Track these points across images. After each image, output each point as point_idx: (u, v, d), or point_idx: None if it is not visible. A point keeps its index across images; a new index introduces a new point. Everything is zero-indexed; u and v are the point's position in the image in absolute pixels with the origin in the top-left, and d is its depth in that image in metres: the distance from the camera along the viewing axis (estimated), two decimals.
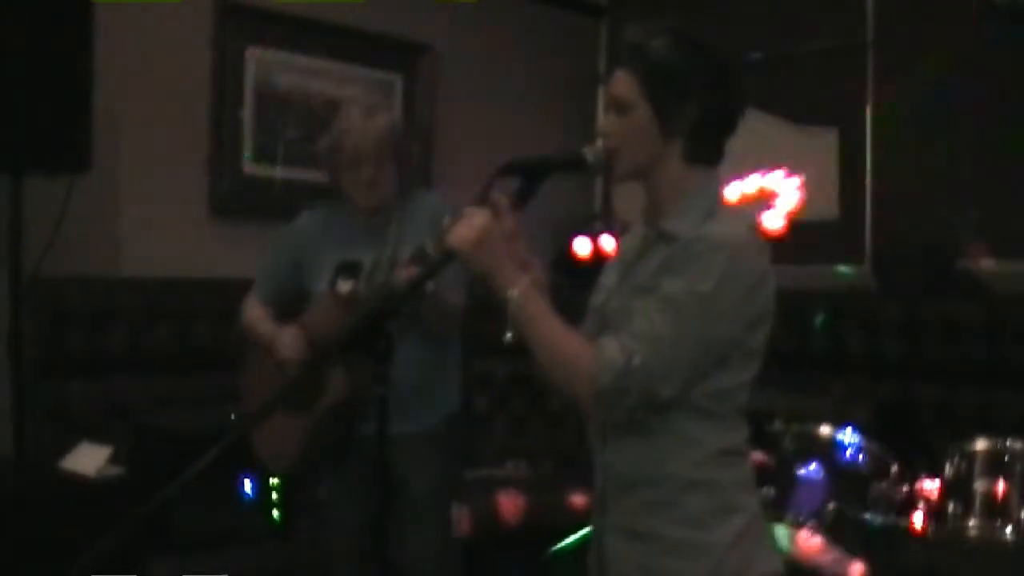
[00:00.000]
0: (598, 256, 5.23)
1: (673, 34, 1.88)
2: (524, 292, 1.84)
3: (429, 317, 2.84)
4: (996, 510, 3.18)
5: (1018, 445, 3.24)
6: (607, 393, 1.77)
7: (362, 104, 3.06)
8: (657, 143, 1.89)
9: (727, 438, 1.91)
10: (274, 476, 3.62)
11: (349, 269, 2.99)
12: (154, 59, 4.18)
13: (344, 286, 2.97)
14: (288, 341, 2.98)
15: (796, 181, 4.94)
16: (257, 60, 4.52)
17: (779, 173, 4.92)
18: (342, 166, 2.99)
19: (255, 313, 3.14)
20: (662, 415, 1.84)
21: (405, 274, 2.63)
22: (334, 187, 3.07)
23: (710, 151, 1.93)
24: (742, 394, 1.91)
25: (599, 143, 1.94)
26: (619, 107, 1.90)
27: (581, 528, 3.50)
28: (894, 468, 3.29)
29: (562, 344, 1.83)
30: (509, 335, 1.86)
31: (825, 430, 3.35)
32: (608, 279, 2.04)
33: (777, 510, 3.23)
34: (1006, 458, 3.22)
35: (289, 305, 3.12)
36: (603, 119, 1.96)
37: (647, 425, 1.86)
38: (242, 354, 3.18)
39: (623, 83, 1.89)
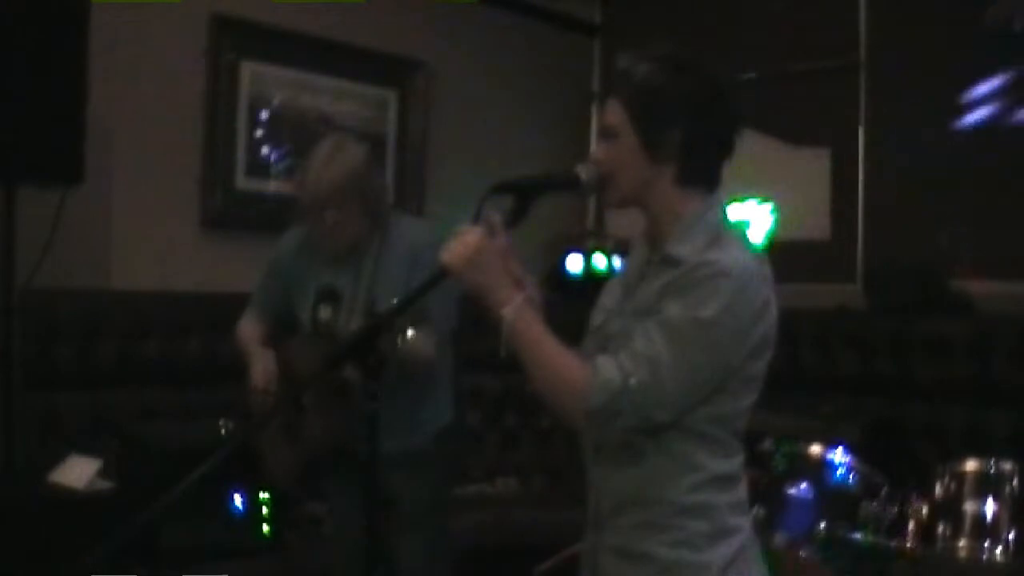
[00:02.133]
0: (591, 273, 5.24)
1: (660, 58, 1.89)
2: (518, 310, 1.83)
3: (406, 367, 2.79)
4: (986, 531, 3.18)
5: (1008, 466, 3.23)
6: (600, 413, 1.77)
7: (327, 147, 2.99)
8: (646, 168, 1.89)
9: (724, 463, 1.91)
10: (275, 488, 3.62)
11: (328, 296, 3.01)
12: (149, 72, 4.19)
13: (324, 313, 2.99)
14: (260, 368, 3.00)
15: (769, 207, 4.97)
16: (251, 74, 4.53)
17: (752, 201, 4.95)
18: (306, 211, 2.98)
19: (246, 332, 3.17)
20: (656, 438, 1.84)
21: (411, 342, 2.63)
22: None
23: (703, 175, 1.92)
24: (741, 419, 1.92)
25: (592, 162, 1.94)
26: (608, 134, 1.91)
27: (571, 545, 3.50)
28: (884, 488, 3.29)
29: (556, 362, 1.83)
30: (504, 352, 1.86)
31: (815, 449, 3.35)
32: (608, 299, 2.03)
33: (767, 529, 3.22)
34: (996, 479, 3.22)
35: (284, 324, 3.14)
36: (595, 147, 1.96)
37: (641, 447, 1.86)
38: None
39: (612, 110, 1.90)
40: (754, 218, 4.96)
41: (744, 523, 1.95)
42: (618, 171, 1.91)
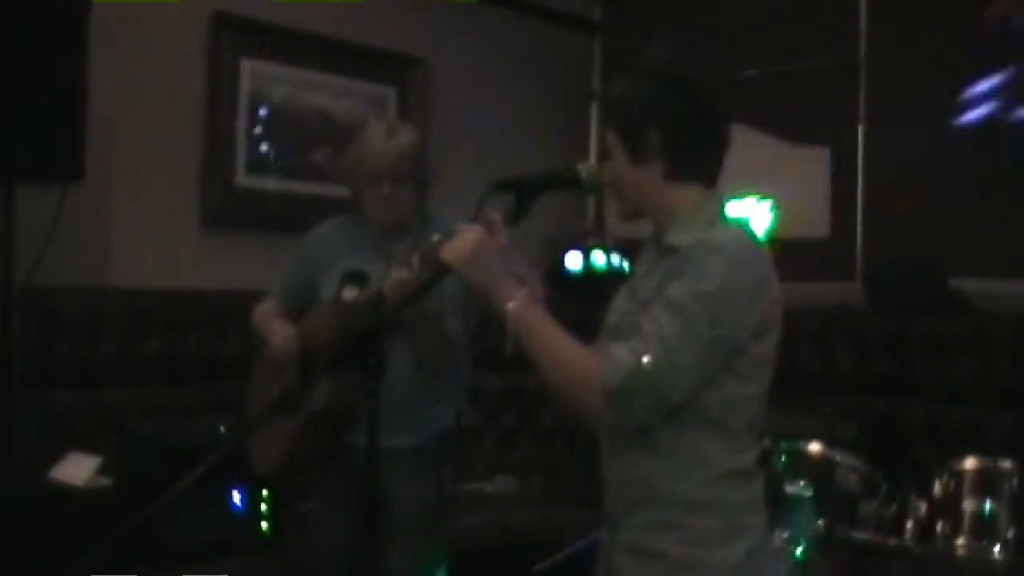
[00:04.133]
0: (590, 271, 5.23)
1: (629, 74, 1.99)
2: (521, 304, 1.85)
3: (425, 340, 2.81)
4: (985, 529, 3.18)
5: (1007, 464, 3.24)
6: (618, 395, 1.78)
7: (385, 122, 3.12)
8: (636, 172, 1.95)
9: (736, 458, 1.92)
10: (262, 479, 3.59)
11: (356, 278, 2.99)
12: (149, 69, 4.19)
13: (350, 293, 2.98)
14: (280, 331, 2.99)
15: (768, 204, 4.97)
16: (251, 72, 4.53)
17: (752, 199, 4.95)
18: (362, 182, 3.01)
19: (263, 310, 3.14)
20: (672, 425, 1.85)
21: (392, 277, 2.63)
22: (353, 202, 3.08)
23: (695, 168, 1.96)
24: (753, 407, 1.92)
25: (592, 160, 1.97)
26: (605, 156, 2.00)
27: (569, 544, 3.50)
28: (883, 486, 3.29)
29: (567, 352, 1.84)
30: (511, 348, 1.86)
31: (815, 448, 3.35)
32: (621, 300, 2.06)
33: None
34: (995, 477, 3.23)
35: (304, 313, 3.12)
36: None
37: (657, 439, 1.87)
38: (253, 361, 3.17)
39: (605, 136, 2.00)
40: (754, 215, 4.96)
41: (758, 522, 1.95)
42: (617, 183, 1.99)
